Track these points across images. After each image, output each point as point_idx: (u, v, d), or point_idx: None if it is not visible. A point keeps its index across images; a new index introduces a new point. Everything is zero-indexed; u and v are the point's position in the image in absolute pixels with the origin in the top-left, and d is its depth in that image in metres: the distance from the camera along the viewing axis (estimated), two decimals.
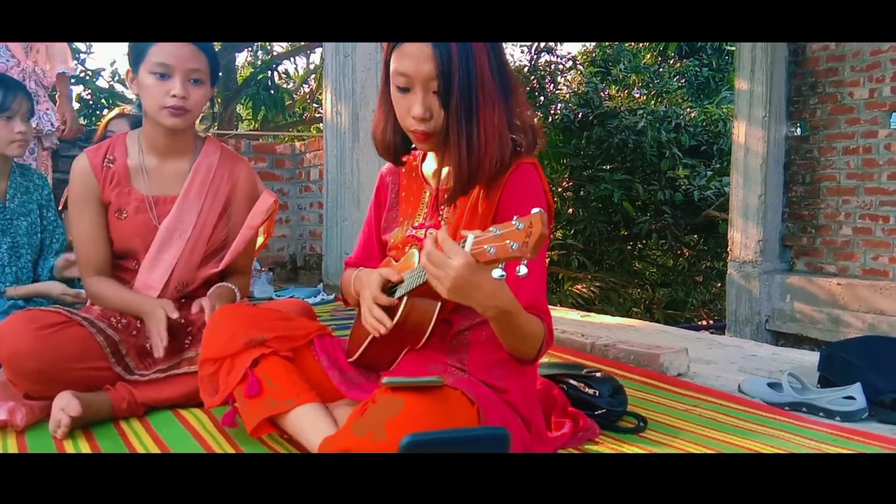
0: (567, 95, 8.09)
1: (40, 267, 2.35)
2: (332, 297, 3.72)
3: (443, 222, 1.38)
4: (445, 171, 1.39)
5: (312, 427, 1.33)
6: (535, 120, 1.38)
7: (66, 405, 1.51)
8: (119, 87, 9.24)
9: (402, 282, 1.31)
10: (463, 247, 1.10)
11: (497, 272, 1.06)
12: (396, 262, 1.41)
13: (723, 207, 6.23)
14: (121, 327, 1.76)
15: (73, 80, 8.03)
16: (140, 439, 1.53)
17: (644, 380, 2.07)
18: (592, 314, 3.55)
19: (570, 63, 8.81)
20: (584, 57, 8.96)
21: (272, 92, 8.93)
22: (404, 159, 1.44)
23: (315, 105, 11.20)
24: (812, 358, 2.34)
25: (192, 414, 1.68)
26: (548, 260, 6.18)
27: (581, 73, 8.56)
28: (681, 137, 7.11)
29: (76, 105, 8.42)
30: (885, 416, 1.75)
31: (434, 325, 1.31)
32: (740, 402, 1.87)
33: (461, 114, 1.24)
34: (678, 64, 8.93)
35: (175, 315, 1.68)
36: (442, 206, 1.39)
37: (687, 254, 7.84)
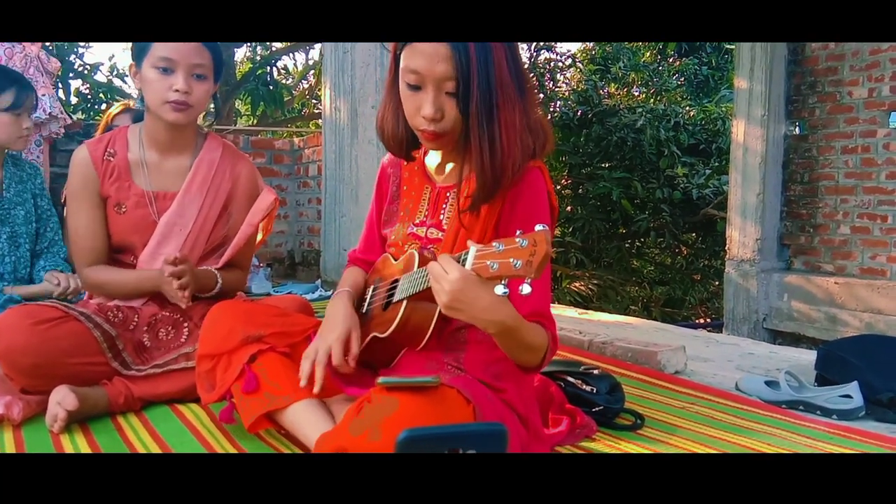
0: (566, 93, 8.09)
1: (37, 268, 2.34)
2: (329, 293, 3.71)
3: (444, 222, 1.38)
4: (449, 167, 1.39)
5: (309, 423, 1.33)
6: (546, 121, 1.35)
7: (62, 399, 1.51)
8: (117, 82, 9.21)
9: (396, 282, 1.31)
10: (465, 258, 1.08)
11: (500, 289, 1.05)
12: (395, 259, 1.40)
13: (721, 206, 6.22)
14: (118, 322, 1.76)
15: (71, 75, 8.04)
16: (137, 434, 1.53)
17: (641, 377, 2.08)
18: (590, 311, 3.55)
19: (570, 61, 8.83)
20: (584, 55, 8.96)
21: (271, 87, 8.89)
22: (414, 154, 1.43)
23: (314, 101, 11.18)
24: (809, 356, 2.34)
25: (189, 409, 1.68)
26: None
27: (580, 70, 8.56)
28: (680, 136, 7.10)
29: (74, 100, 8.41)
30: (882, 414, 1.75)
31: (434, 328, 1.30)
32: (737, 400, 1.88)
33: (482, 116, 1.20)
34: (677, 62, 8.93)
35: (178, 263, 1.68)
36: (443, 206, 1.38)
37: (685, 252, 7.84)
